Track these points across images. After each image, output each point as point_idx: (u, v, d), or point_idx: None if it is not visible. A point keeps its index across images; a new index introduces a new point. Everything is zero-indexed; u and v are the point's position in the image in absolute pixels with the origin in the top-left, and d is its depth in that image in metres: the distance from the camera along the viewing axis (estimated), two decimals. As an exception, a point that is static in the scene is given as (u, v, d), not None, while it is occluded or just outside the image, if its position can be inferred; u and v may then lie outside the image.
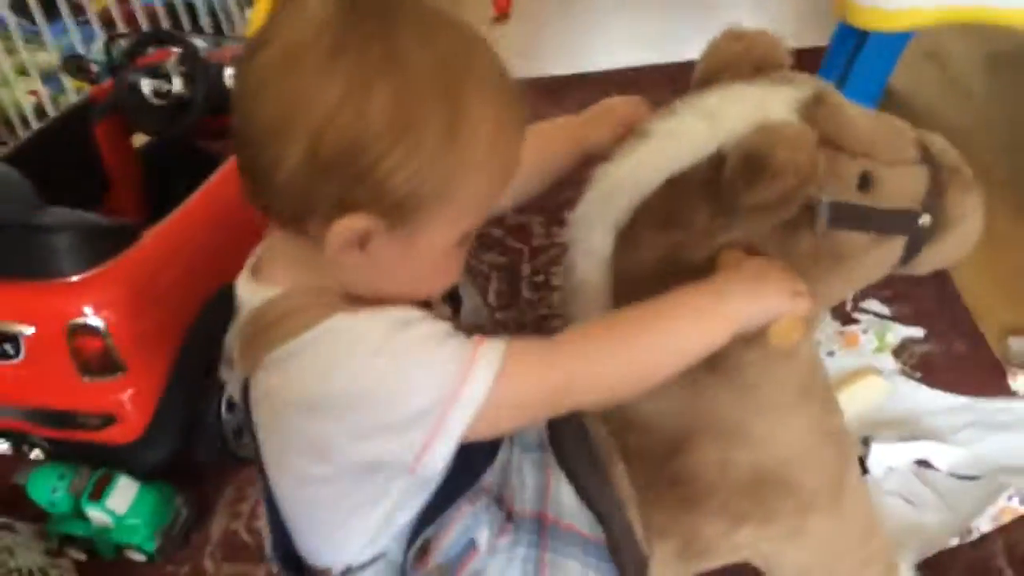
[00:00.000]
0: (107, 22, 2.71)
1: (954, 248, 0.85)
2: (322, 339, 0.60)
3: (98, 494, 1.29)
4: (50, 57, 2.61)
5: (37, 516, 1.39)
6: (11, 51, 2.59)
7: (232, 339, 0.69)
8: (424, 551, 0.71)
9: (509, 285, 1.83)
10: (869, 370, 1.46)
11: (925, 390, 1.44)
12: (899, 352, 1.52)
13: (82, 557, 1.36)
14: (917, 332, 1.55)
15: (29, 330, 1.25)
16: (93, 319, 1.22)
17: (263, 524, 0.81)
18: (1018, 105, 1.97)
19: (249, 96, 0.58)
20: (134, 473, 1.33)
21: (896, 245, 0.81)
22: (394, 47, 0.56)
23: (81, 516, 1.32)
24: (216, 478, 1.47)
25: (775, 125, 0.71)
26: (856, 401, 1.39)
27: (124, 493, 1.31)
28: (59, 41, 2.65)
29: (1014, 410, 1.39)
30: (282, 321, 0.62)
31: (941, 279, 1.64)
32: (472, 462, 0.71)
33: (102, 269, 1.25)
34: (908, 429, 1.36)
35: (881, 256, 0.81)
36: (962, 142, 0.87)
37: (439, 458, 0.61)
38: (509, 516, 0.77)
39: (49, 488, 1.30)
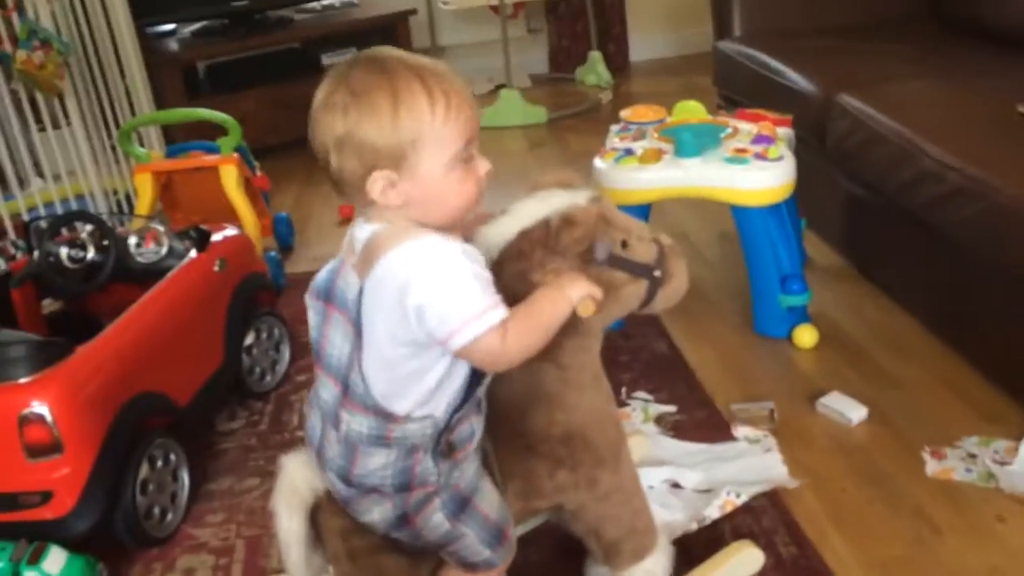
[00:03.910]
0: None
1: (674, 292, 1.38)
2: (415, 247, 1.06)
3: (35, 559, 1.58)
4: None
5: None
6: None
7: (332, 270, 1.18)
8: (451, 427, 1.16)
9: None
10: (637, 433, 1.98)
11: (676, 442, 1.97)
12: (659, 421, 2.06)
13: (13, 625, 1.60)
14: (671, 408, 2.11)
15: (-16, 423, 1.58)
16: (40, 409, 1.58)
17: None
18: (738, 267, 2.68)
19: (313, 128, 1.09)
20: (62, 544, 1.63)
21: (642, 286, 1.33)
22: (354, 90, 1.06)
23: (15, 586, 1.59)
24: (129, 555, 1.77)
25: (577, 205, 1.28)
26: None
27: (57, 558, 1.60)
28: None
29: (735, 448, 1.94)
30: (388, 239, 1.08)
31: (688, 376, 2.23)
32: (472, 385, 1.16)
33: (46, 373, 1.63)
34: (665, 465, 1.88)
35: (635, 291, 1.33)
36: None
37: (452, 347, 1.07)
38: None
39: (-9, 560, 1.57)
